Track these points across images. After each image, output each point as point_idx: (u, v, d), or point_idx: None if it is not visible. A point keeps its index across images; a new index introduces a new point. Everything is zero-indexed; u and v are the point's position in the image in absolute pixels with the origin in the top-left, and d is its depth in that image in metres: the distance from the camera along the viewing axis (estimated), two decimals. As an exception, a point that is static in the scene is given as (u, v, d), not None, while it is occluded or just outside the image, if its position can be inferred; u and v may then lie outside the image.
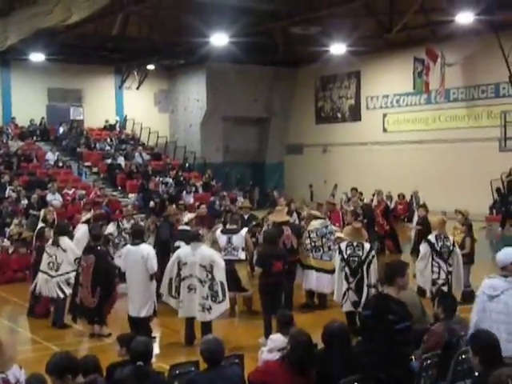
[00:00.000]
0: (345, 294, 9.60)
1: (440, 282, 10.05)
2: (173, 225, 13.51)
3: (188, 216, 13.35)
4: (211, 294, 9.54)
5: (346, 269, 9.58)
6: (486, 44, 24.56)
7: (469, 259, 12.31)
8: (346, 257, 9.61)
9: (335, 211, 15.18)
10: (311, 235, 11.90)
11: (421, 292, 10.27)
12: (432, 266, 10.07)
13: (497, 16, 22.27)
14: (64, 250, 11.10)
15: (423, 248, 10.28)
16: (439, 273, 10.09)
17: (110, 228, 14.35)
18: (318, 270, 11.84)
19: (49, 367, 5.17)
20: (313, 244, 11.85)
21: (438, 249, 10.14)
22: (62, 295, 11.05)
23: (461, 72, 26.55)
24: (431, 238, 10.29)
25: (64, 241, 11.22)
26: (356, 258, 9.62)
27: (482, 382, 5.06)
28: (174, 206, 17.74)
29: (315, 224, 12.17)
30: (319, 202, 15.33)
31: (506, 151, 24.47)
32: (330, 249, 11.90)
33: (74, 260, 11.03)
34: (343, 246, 9.80)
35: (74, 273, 10.97)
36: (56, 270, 11.08)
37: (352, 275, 9.56)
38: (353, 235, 9.95)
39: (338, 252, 9.81)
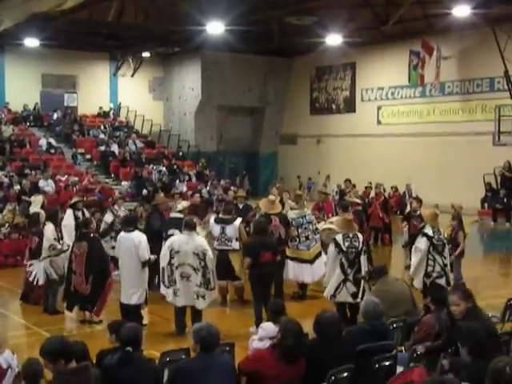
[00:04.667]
0: (339, 285, 9.58)
1: (434, 274, 10.05)
2: (162, 213, 13.49)
3: (182, 204, 13.33)
4: (204, 282, 9.59)
5: (344, 260, 9.55)
6: (482, 38, 24.57)
7: (460, 253, 12.38)
8: (344, 249, 9.58)
9: (328, 201, 15.18)
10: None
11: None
12: (427, 259, 10.07)
13: (493, 9, 22.27)
14: (44, 235, 11.14)
15: (423, 242, 10.19)
16: (434, 266, 10.10)
17: (108, 217, 14.31)
18: (293, 259, 11.91)
19: (42, 350, 5.18)
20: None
21: (435, 242, 10.14)
22: (48, 278, 11.07)
23: (456, 65, 26.56)
24: (429, 231, 10.25)
25: (47, 226, 11.24)
26: (353, 250, 9.62)
27: (470, 373, 5.09)
28: (161, 194, 17.75)
29: (291, 214, 12.27)
30: (298, 192, 15.38)
31: (500, 145, 24.52)
32: (307, 238, 12.00)
33: (49, 247, 11.01)
34: (339, 238, 9.70)
35: (48, 259, 10.99)
36: (40, 255, 11.15)
37: (350, 267, 9.56)
38: (346, 227, 9.94)
39: (333, 245, 9.70)
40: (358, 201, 15.93)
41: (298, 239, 11.98)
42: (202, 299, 9.62)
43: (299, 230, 12.03)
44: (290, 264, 11.93)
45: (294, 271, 11.96)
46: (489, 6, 21.66)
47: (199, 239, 9.89)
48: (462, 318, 6.06)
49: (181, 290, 9.64)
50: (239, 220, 11.78)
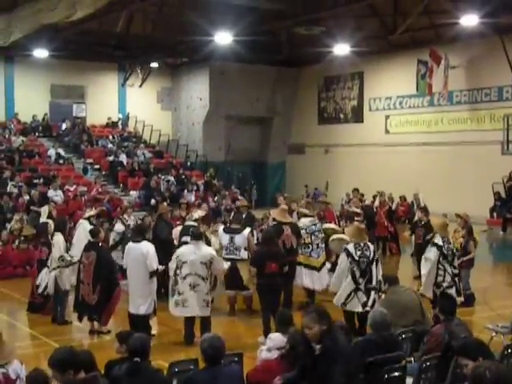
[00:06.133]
0: (350, 293, 9.54)
1: (445, 284, 10.01)
2: (168, 222, 13.56)
3: (198, 212, 13.39)
4: (210, 289, 9.78)
5: (356, 270, 9.53)
6: (490, 47, 24.54)
7: (469, 263, 12.31)
8: (356, 258, 9.56)
9: (329, 210, 15.19)
10: (301, 232, 12.01)
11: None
12: (438, 268, 10.02)
13: (501, 19, 22.25)
14: (53, 246, 11.18)
15: (433, 252, 10.15)
16: (444, 276, 10.06)
17: (119, 227, 14.33)
18: (306, 266, 11.93)
19: (51, 361, 5.17)
20: (302, 241, 11.96)
21: (445, 252, 10.10)
22: (56, 290, 11.10)
23: (464, 75, 26.52)
24: (438, 241, 10.22)
25: (56, 237, 11.28)
26: (365, 259, 9.60)
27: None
28: (164, 203, 17.80)
29: (305, 221, 12.34)
30: (308, 200, 15.41)
31: (508, 154, 24.42)
32: (318, 246, 12.05)
33: (59, 258, 11.04)
34: (351, 247, 9.69)
35: (68, 269, 11.01)
36: (50, 265, 11.20)
37: (362, 276, 9.54)
38: (358, 236, 9.92)
39: (345, 254, 9.68)
40: (358, 211, 15.87)
41: (310, 246, 12.00)
42: (208, 307, 9.77)
43: (312, 238, 12.07)
44: (302, 270, 11.95)
45: (306, 278, 11.98)
46: (497, 15, 21.63)
47: (206, 248, 9.94)
48: (317, 341, 5.58)
49: (189, 301, 9.64)
50: (248, 230, 11.81)
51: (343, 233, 11.67)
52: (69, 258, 11.11)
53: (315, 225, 12.36)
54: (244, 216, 13.76)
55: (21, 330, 11.43)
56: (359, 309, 9.48)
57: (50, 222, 12.46)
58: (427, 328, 7.43)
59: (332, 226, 13.06)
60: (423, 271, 10.34)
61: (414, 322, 7.95)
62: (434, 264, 10.06)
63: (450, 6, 22.39)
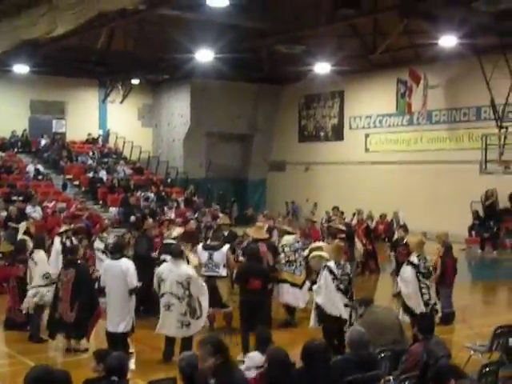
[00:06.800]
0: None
1: (432, 301, 10.07)
2: (151, 239, 13.49)
3: (177, 230, 13.31)
4: (190, 311, 9.53)
5: (342, 287, 9.54)
6: (469, 67, 24.83)
7: (444, 281, 12.35)
8: (339, 276, 9.56)
9: (314, 229, 15.28)
10: (285, 249, 12.08)
11: (409, 312, 10.19)
12: (420, 288, 10.06)
13: (479, 40, 22.56)
14: (35, 263, 11.03)
15: (408, 271, 10.21)
16: (429, 293, 10.11)
17: (99, 244, 14.22)
18: (291, 284, 11.94)
19: (27, 380, 5.09)
20: (287, 258, 11.99)
21: (422, 270, 10.15)
22: (32, 308, 10.94)
23: (443, 94, 26.81)
24: (414, 259, 10.27)
25: (38, 254, 11.15)
26: (346, 277, 9.63)
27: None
28: (150, 220, 17.68)
29: (288, 239, 12.36)
30: (290, 218, 15.52)
31: (487, 174, 24.65)
32: (300, 264, 12.08)
33: (43, 275, 10.91)
34: (332, 265, 9.69)
35: (46, 288, 10.88)
36: (30, 283, 11.01)
37: (345, 294, 9.55)
38: (337, 254, 9.93)
39: (327, 272, 9.65)
40: (343, 228, 15.97)
41: (294, 264, 12.02)
42: (187, 328, 9.54)
43: (296, 255, 12.09)
44: (288, 288, 11.94)
45: (289, 295, 11.98)
46: (474, 36, 21.93)
47: (184, 267, 9.78)
48: (212, 374, 5.46)
49: (163, 320, 9.60)
50: (227, 246, 11.76)
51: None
52: (54, 277, 10.97)
53: (298, 242, 12.43)
54: (226, 234, 13.72)
55: (-3, 348, 11.27)
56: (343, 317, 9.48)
57: (28, 238, 12.34)
58: (406, 347, 7.43)
59: (321, 243, 13.03)
60: (403, 291, 10.37)
61: (392, 341, 7.95)
62: (411, 284, 10.11)
63: (428, 27, 22.65)
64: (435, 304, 10.18)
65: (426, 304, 10.06)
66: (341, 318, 9.49)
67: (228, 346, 5.53)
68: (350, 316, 9.50)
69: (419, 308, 10.02)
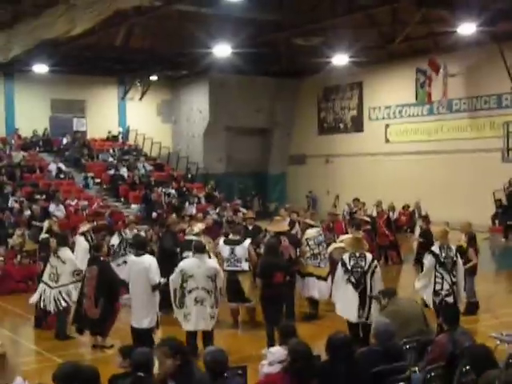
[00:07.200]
0: (349, 303, 9.55)
1: (443, 292, 10.00)
2: (175, 234, 13.55)
3: (199, 226, 13.34)
4: (215, 302, 9.72)
5: (351, 279, 9.54)
6: (489, 55, 24.60)
7: (471, 270, 12.28)
8: (349, 268, 9.57)
9: (338, 222, 15.24)
10: (309, 243, 12.04)
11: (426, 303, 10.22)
12: (435, 277, 10.03)
13: (499, 27, 22.31)
14: (63, 262, 11.12)
15: (428, 260, 10.20)
16: (442, 284, 10.05)
17: (115, 239, 14.33)
18: (317, 277, 11.93)
19: (55, 376, 5.15)
20: (311, 252, 11.97)
21: (442, 260, 10.11)
22: (59, 307, 11.04)
23: (463, 83, 26.58)
24: (435, 249, 10.24)
25: (64, 252, 11.23)
26: (359, 269, 9.59)
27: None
28: (174, 215, 17.77)
29: (312, 232, 12.33)
30: (313, 211, 15.55)
31: (509, 162, 24.44)
32: (324, 256, 12.10)
33: (73, 272, 11.03)
34: (346, 257, 9.72)
35: (73, 284, 10.99)
36: (56, 282, 11.09)
37: (356, 286, 9.53)
38: (354, 246, 9.92)
39: (340, 264, 9.73)
40: (368, 219, 15.93)
41: (319, 257, 12.03)
42: (213, 319, 9.74)
43: (320, 248, 12.08)
44: (314, 281, 11.95)
45: (314, 288, 11.98)
46: (494, 23, 21.69)
47: (210, 261, 9.93)
48: (171, 377, 5.34)
49: (192, 314, 9.62)
50: (248, 241, 11.77)
51: None
52: (83, 274, 11.05)
53: (321, 235, 12.40)
54: (251, 228, 13.73)
55: (24, 346, 11.39)
56: (352, 318, 9.47)
57: (50, 237, 12.45)
58: (431, 337, 7.40)
59: (340, 244, 12.95)
60: (419, 280, 10.41)
61: (417, 331, 7.91)
62: (427, 270, 10.11)
63: (447, 15, 22.45)
64: (447, 295, 10.08)
65: (437, 294, 10.02)
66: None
67: (188, 348, 5.42)
68: (363, 307, 9.45)
69: (430, 298, 10.01)
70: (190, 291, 9.63)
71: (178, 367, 5.32)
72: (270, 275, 9.94)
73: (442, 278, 10.04)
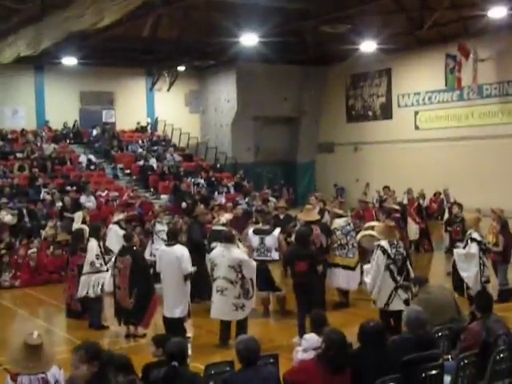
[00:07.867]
0: (392, 293, 9.45)
1: (483, 279, 9.97)
2: (203, 224, 13.59)
3: (226, 216, 13.39)
4: (243, 293, 9.68)
5: (393, 267, 9.44)
6: (520, 39, 24.22)
7: (504, 258, 12.16)
8: (392, 256, 9.48)
9: (368, 210, 15.18)
10: (337, 233, 12.00)
11: (460, 290, 10.13)
12: (481, 264, 10.00)
13: (530, 10, 21.94)
14: (86, 252, 11.33)
15: (473, 248, 10.12)
16: (483, 270, 10.03)
17: (160, 227, 14.45)
18: (344, 267, 11.89)
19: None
20: (338, 242, 11.92)
21: (483, 247, 10.09)
22: (85, 294, 11.22)
23: (494, 67, 26.18)
24: (477, 236, 10.18)
25: (90, 243, 11.43)
26: (400, 256, 9.54)
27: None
28: (201, 205, 17.87)
29: (339, 222, 12.29)
30: (341, 200, 15.51)
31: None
32: (353, 246, 11.98)
33: (90, 263, 11.17)
34: (385, 244, 9.58)
35: (94, 274, 11.18)
36: (83, 270, 11.35)
37: (399, 274, 9.46)
38: (388, 234, 9.85)
39: (381, 251, 9.59)
40: (397, 207, 15.84)
41: (346, 247, 11.98)
42: (242, 310, 9.70)
43: (347, 238, 12.02)
44: (341, 272, 11.91)
45: (342, 278, 11.95)
46: (526, 5, 21.35)
47: (235, 251, 9.87)
48: (86, 383, 4.99)
49: (215, 302, 9.71)
50: (278, 230, 11.79)
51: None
52: (97, 265, 11.23)
53: (349, 224, 12.34)
54: (282, 217, 13.74)
55: (58, 335, 11.57)
56: (402, 307, 9.35)
57: (85, 227, 12.61)
58: (463, 325, 7.36)
59: (374, 223, 12.88)
60: (467, 268, 10.28)
61: (449, 319, 7.87)
62: (474, 260, 10.05)
63: (477, -1, 22.13)
64: (486, 282, 10.06)
65: (479, 280, 10.00)
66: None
67: (107, 356, 5.16)
68: (408, 294, 9.40)
69: (476, 285, 9.93)
70: (215, 279, 9.77)
71: (94, 374, 4.96)
72: (293, 264, 9.98)
73: (484, 264, 10.03)
